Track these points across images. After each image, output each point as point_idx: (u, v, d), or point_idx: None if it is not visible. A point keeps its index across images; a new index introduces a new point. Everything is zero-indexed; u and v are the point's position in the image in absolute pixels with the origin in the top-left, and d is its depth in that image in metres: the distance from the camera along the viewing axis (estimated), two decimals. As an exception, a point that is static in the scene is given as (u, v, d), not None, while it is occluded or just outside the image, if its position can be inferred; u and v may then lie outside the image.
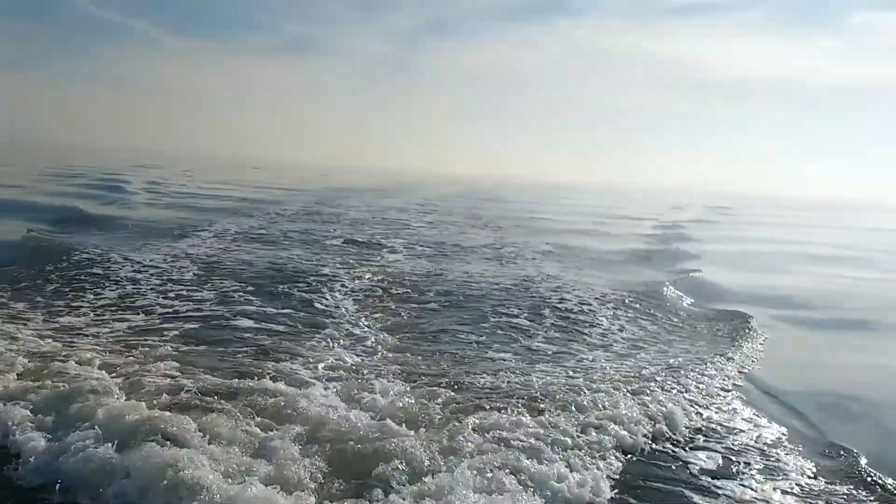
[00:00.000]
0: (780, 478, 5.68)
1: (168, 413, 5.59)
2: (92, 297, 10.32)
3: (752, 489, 5.46)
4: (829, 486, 5.58)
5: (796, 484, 5.59)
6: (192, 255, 14.78)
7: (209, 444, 5.18)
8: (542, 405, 6.62)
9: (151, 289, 11.04)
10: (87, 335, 8.27)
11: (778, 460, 6.02)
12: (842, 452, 6.25)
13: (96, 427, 5.23)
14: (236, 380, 6.70)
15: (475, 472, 5.05)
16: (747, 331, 10.67)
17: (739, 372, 8.51)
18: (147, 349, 7.71)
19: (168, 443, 5.05)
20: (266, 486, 4.63)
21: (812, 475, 5.75)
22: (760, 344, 9.98)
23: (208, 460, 4.86)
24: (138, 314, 9.50)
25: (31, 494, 4.70)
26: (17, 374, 6.50)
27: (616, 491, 5.25)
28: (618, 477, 5.48)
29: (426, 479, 4.91)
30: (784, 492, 5.45)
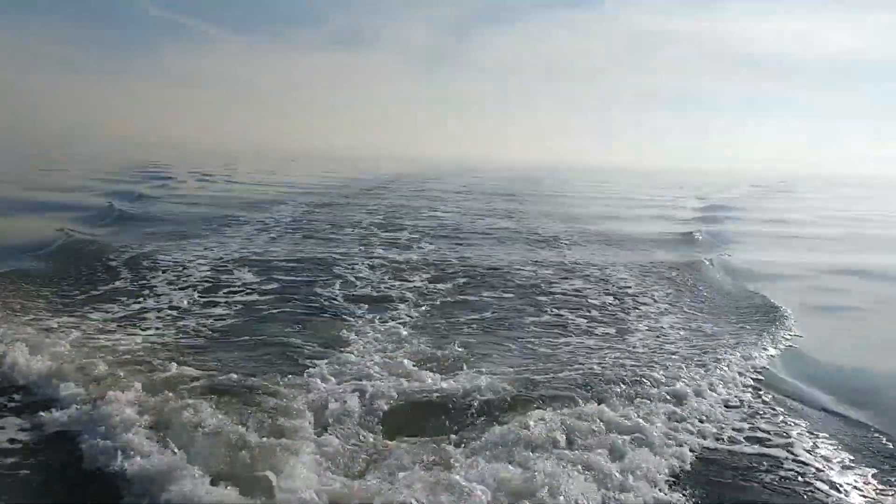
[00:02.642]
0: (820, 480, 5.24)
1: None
2: (127, 290, 10.41)
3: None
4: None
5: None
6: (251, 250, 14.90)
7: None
8: (555, 398, 6.27)
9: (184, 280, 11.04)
10: (125, 328, 8.34)
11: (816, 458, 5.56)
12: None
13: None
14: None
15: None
16: (781, 318, 10.11)
17: (769, 364, 7.97)
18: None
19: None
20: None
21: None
22: (794, 333, 9.46)
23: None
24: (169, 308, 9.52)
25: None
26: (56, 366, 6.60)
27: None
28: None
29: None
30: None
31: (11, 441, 5.34)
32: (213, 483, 4.52)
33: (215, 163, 63.64)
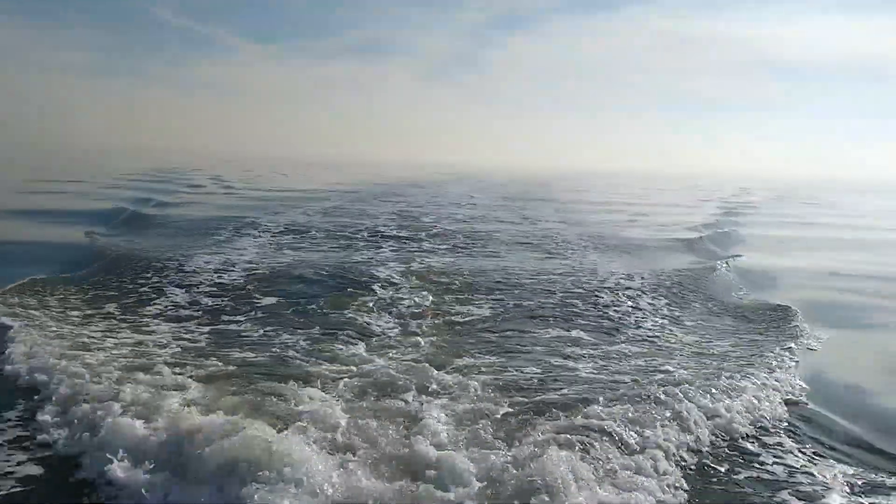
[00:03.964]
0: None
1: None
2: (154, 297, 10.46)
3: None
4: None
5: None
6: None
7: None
8: (564, 413, 6.11)
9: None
10: (158, 335, 8.40)
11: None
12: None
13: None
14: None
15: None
16: (797, 328, 9.87)
17: (788, 377, 7.64)
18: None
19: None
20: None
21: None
22: (814, 343, 9.26)
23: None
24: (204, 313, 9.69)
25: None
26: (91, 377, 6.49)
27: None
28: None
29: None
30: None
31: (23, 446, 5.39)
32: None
33: (236, 169, 64.06)
